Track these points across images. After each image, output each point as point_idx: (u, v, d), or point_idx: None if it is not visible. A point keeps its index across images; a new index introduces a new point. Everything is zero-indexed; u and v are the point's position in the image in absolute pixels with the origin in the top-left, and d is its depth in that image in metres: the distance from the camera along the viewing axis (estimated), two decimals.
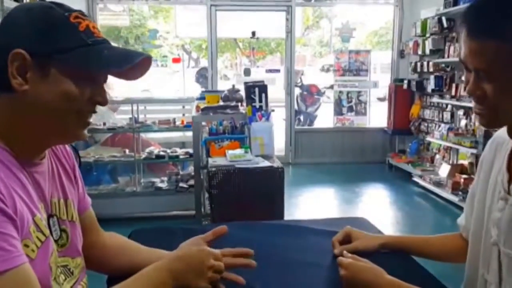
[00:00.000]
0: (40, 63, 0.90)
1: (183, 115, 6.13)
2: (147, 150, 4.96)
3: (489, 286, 1.14)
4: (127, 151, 4.95)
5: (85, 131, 1.00)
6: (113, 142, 5.12)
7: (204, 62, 7.46)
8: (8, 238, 0.82)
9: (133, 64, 0.96)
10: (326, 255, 1.40)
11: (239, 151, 3.39)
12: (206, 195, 3.78)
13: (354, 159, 7.42)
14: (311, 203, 5.65)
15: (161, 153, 4.88)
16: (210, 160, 3.37)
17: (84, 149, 4.90)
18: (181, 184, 4.78)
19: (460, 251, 1.32)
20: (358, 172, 6.99)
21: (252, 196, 3.12)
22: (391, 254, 1.44)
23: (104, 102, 0.99)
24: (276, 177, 3.17)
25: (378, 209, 5.44)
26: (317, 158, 7.41)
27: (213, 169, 3.15)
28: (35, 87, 0.90)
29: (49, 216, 1.02)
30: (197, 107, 4.28)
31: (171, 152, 4.92)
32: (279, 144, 7.59)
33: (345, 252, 1.23)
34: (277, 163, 3.27)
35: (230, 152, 3.37)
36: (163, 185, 4.88)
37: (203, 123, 4.20)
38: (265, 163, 3.23)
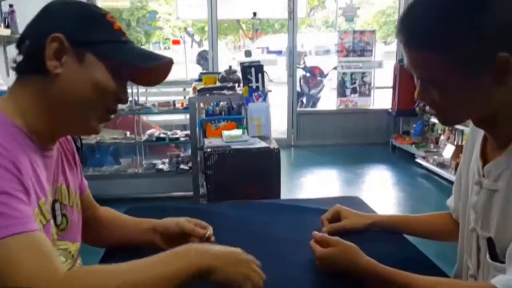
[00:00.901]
0: (76, 49, 0.94)
1: (184, 97, 6.12)
2: (148, 132, 4.99)
3: (469, 271, 1.15)
4: (128, 133, 4.98)
5: (101, 126, 1.04)
6: (115, 125, 5.14)
7: (206, 45, 7.39)
8: (26, 207, 0.83)
9: (162, 62, 1.02)
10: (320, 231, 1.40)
11: (235, 131, 3.37)
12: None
13: (357, 141, 7.37)
14: (313, 185, 5.63)
15: (162, 135, 4.90)
16: (206, 141, 3.36)
17: None
18: (181, 166, 4.80)
19: (449, 230, 1.33)
20: (360, 154, 6.95)
21: (248, 176, 3.12)
22: (382, 233, 1.44)
23: (126, 100, 1.04)
24: (272, 157, 3.16)
25: (380, 190, 5.42)
26: (320, 140, 7.38)
27: (209, 150, 3.14)
28: (68, 71, 0.94)
29: (54, 200, 1.05)
30: (194, 88, 4.27)
31: (172, 134, 4.94)
32: (281, 126, 7.57)
33: (314, 232, 1.22)
34: (273, 144, 3.26)
35: (226, 133, 3.36)
36: (164, 167, 4.91)
37: (201, 105, 4.18)
38: (261, 144, 3.22)
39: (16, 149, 0.86)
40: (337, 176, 6.17)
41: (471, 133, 1.21)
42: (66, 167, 1.13)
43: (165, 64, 1.04)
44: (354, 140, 7.37)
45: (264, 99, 3.57)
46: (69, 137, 1.18)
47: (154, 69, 1.05)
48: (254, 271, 0.98)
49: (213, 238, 1.30)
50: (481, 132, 1.13)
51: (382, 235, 1.44)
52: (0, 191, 0.79)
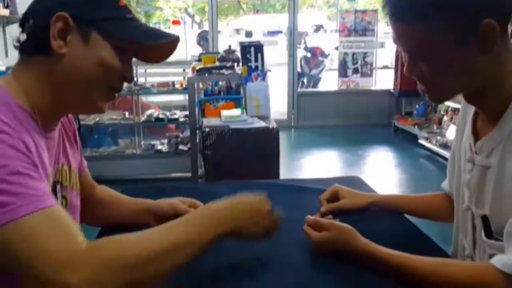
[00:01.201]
0: (82, 28, 0.93)
1: (184, 78, 6.07)
2: (147, 113, 4.96)
3: (465, 251, 1.13)
4: (127, 114, 4.96)
5: (106, 106, 1.03)
6: (113, 105, 5.08)
7: (207, 26, 7.33)
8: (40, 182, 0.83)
9: (168, 40, 1.00)
10: (314, 213, 1.37)
11: (234, 111, 3.35)
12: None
13: (358, 122, 7.29)
14: (313, 166, 5.59)
15: (161, 116, 4.88)
16: (205, 121, 3.34)
17: None
18: (180, 147, 4.77)
19: (447, 210, 1.30)
20: (362, 135, 6.88)
21: (247, 156, 3.09)
22: (381, 212, 1.43)
23: (131, 79, 1.03)
24: (271, 137, 3.15)
25: (382, 171, 5.37)
26: (321, 121, 7.30)
27: (207, 129, 3.12)
28: (73, 51, 0.93)
29: (55, 182, 1.05)
30: (193, 68, 4.23)
31: (171, 114, 4.92)
32: (281, 107, 7.50)
33: (308, 216, 1.19)
34: (272, 124, 3.24)
35: (224, 112, 3.33)
36: (163, 148, 4.89)
37: (200, 85, 4.15)
38: (260, 124, 3.20)
39: (21, 129, 0.86)
40: (338, 158, 6.13)
41: (462, 111, 1.20)
42: (68, 147, 1.13)
43: (172, 42, 1.03)
44: (356, 121, 7.30)
45: (263, 79, 3.53)
46: (70, 116, 1.17)
47: (160, 46, 1.03)
48: (272, 224, 1.04)
49: None
50: (472, 109, 1.12)
51: (381, 214, 1.42)
52: (13, 172, 0.79)
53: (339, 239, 1.10)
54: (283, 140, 6.72)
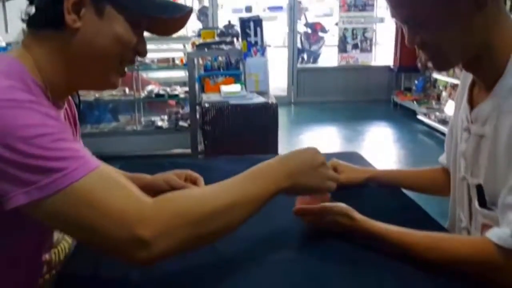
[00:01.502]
0: (95, 2, 0.89)
1: (184, 54, 6.04)
2: (147, 89, 4.92)
3: (462, 224, 1.14)
4: (127, 90, 4.91)
5: (120, 81, 0.99)
6: None
7: (206, 1, 7.26)
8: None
9: (184, 13, 0.98)
10: None
11: (233, 87, 3.35)
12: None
13: (358, 97, 7.33)
14: (312, 142, 5.61)
15: (161, 92, 4.84)
16: (204, 96, 3.34)
17: None
18: (181, 123, 4.76)
19: (443, 184, 1.31)
20: (361, 111, 6.93)
21: (246, 132, 3.12)
22: (380, 188, 1.42)
23: (144, 53, 0.99)
24: (270, 113, 3.16)
25: (381, 147, 5.41)
26: (321, 97, 7.33)
27: (207, 105, 3.13)
28: (87, 25, 0.89)
29: None
30: (193, 43, 4.22)
31: (171, 90, 4.88)
32: (281, 83, 7.50)
33: (295, 208, 1.16)
34: (271, 99, 3.24)
35: (224, 88, 3.34)
36: (163, 124, 4.87)
37: (200, 61, 4.14)
38: (259, 99, 3.21)
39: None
40: (337, 133, 6.16)
41: (461, 83, 1.20)
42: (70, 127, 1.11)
43: (186, 14, 1.00)
44: (355, 97, 7.33)
45: (263, 54, 3.53)
46: (70, 99, 1.14)
47: (173, 19, 0.99)
48: (329, 177, 1.02)
49: None
50: (469, 79, 1.13)
51: (379, 189, 1.42)
52: (56, 138, 0.78)
53: (335, 224, 1.09)
54: (283, 116, 6.71)
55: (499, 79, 0.97)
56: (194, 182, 1.32)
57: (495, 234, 0.91)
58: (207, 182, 1.29)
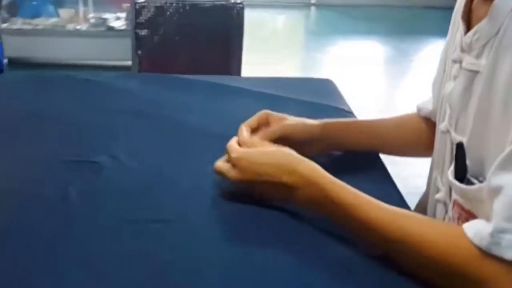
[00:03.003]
0: None
1: None
2: None
3: (438, 194, 0.90)
4: None
5: None
6: None
7: None
8: None
9: None
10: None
11: None
12: None
13: (405, 1, 6.00)
14: (334, 63, 4.51)
15: None
16: None
17: None
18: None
19: (426, 137, 1.07)
20: (409, 21, 5.67)
21: (197, 42, 2.57)
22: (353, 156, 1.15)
23: None
24: (232, 17, 2.55)
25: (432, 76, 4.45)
26: None
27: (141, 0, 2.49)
28: None
29: None
30: None
31: None
32: None
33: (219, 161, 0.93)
34: None
35: None
36: (118, 24, 4.31)
37: None
38: None
39: None
40: (372, 53, 4.96)
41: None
42: None
43: None
44: (401, 1, 6.00)
45: None
46: None
47: None
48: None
49: None
50: None
51: (353, 158, 1.14)
52: None
53: (270, 159, 0.87)
54: (296, 23, 5.62)
55: None
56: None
57: (472, 227, 0.68)
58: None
